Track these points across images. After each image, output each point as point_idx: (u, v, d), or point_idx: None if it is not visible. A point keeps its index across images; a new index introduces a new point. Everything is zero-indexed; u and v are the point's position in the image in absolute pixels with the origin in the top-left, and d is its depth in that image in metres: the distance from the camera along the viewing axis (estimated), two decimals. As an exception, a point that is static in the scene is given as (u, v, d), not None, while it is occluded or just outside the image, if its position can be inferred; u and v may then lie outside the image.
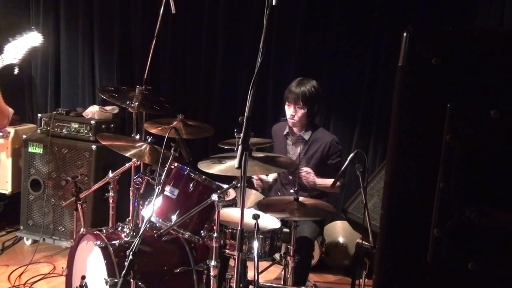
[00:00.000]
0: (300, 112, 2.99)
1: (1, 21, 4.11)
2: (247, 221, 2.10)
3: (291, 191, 2.59)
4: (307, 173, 2.97)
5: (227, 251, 2.41)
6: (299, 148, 3.02)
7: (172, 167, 2.40)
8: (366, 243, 2.49)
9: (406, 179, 0.95)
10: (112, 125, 3.98)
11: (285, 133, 3.17)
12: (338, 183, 2.83)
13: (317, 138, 3.07)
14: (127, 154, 2.61)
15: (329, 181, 2.96)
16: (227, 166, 2.35)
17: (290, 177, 3.08)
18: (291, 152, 3.12)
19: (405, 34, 0.91)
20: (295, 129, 3.13)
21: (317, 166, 3.05)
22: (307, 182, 2.96)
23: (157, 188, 2.26)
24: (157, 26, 3.20)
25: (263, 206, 2.55)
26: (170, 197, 2.36)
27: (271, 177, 3.26)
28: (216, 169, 2.34)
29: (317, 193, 3.06)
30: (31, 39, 2.36)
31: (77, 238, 2.63)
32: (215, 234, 2.21)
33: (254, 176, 3.15)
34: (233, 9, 4.09)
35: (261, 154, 2.51)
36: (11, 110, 2.63)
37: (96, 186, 2.93)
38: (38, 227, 3.83)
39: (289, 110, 3.03)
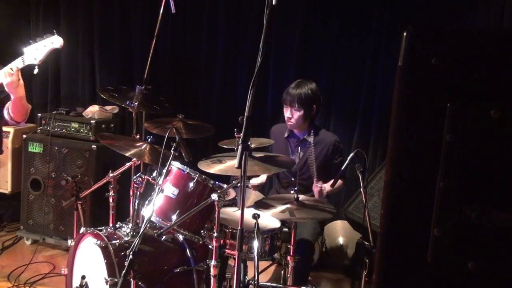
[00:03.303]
0: (297, 114, 3.00)
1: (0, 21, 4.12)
2: (247, 221, 2.10)
3: (292, 192, 2.58)
4: (318, 188, 2.96)
5: (227, 250, 2.41)
6: (301, 152, 3.02)
7: (172, 166, 2.40)
8: (366, 243, 2.50)
9: (406, 178, 0.95)
10: (112, 125, 3.98)
11: (286, 135, 3.17)
12: (340, 181, 2.83)
13: (320, 140, 3.08)
14: (127, 154, 2.61)
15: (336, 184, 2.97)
16: (227, 166, 2.35)
17: (293, 179, 3.08)
18: (295, 156, 3.12)
19: (405, 33, 0.91)
20: (296, 132, 3.13)
21: (321, 168, 3.05)
22: (322, 194, 2.96)
23: (157, 187, 2.26)
24: (157, 26, 3.20)
25: (262, 205, 2.55)
26: (170, 197, 2.36)
27: (264, 177, 3.27)
28: (216, 168, 2.34)
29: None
30: (52, 42, 2.48)
31: (77, 238, 2.63)
32: (215, 234, 2.21)
33: (249, 185, 3.18)
34: (233, 9, 4.09)
35: (261, 154, 2.51)
36: (29, 106, 2.79)
37: (96, 186, 2.93)
38: (38, 227, 3.83)
39: (286, 112, 3.05)
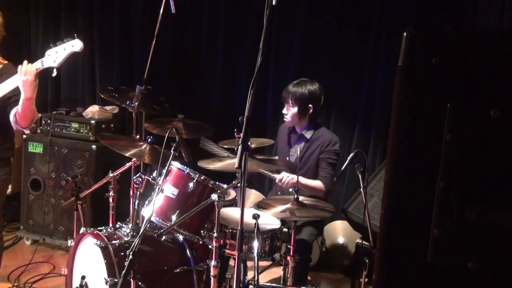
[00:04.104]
0: (291, 111, 3.04)
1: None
2: (247, 221, 2.10)
3: (290, 189, 2.59)
4: (288, 178, 2.91)
5: (227, 251, 2.41)
6: (299, 147, 3.03)
7: (172, 166, 2.40)
8: (366, 243, 2.50)
9: (406, 179, 0.95)
10: (112, 125, 3.98)
11: (289, 131, 3.22)
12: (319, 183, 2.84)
13: (318, 137, 3.10)
14: (127, 154, 2.61)
15: (312, 182, 2.94)
16: (228, 163, 2.35)
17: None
18: (293, 150, 3.15)
19: (405, 34, 0.91)
20: (297, 128, 3.15)
21: (316, 165, 3.06)
22: (291, 184, 2.92)
23: (157, 187, 2.26)
24: (157, 26, 3.20)
25: (263, 205, 2.54)
26: (170, 197, 2.36)
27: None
28: (217, 165, 2.34)
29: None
30: (72, 45, 2.49)
31: (77, 238, 2.63)
32: (215, 234, 2.21)
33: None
34: (233, 9, 4.09)
35: (260, 156, 2.51)
36: (37, 114, 2.85)
37: (96, 186, 2.93)
38: (38, 227, 3.82)
39: (284, 109, 3.10)
